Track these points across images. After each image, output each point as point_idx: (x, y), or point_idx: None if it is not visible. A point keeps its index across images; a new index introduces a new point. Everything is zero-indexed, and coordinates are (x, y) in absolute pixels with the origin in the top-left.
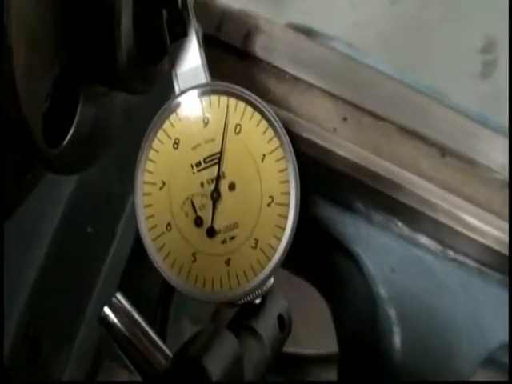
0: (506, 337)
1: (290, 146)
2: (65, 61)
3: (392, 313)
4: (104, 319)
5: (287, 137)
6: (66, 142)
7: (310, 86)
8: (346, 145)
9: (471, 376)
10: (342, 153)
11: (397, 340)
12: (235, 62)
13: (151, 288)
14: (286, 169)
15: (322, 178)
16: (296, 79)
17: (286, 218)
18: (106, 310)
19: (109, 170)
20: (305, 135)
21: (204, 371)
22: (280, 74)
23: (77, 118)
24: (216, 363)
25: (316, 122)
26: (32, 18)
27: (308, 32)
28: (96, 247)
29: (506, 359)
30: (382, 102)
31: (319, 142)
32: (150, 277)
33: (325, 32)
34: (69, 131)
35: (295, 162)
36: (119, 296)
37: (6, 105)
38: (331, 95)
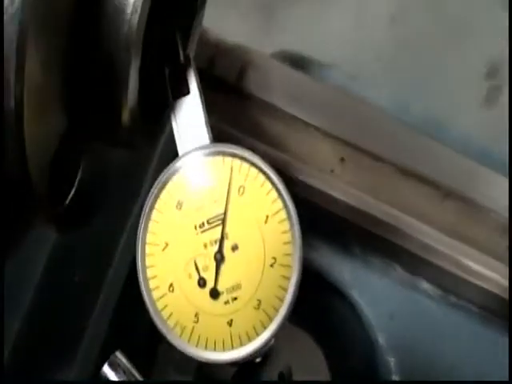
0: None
1: (294, 206)
2: (70, 121)
3: (391, 361)
4: (103, 378)
5: (290, 198)
6: (68, 200)
7: (306, 124)
8: (344, 187)
9: None
10: (339, 196)
11: None
12: (228, 99)
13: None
14: (289, 230)
15: (319, 222)
16: (292, 117)
17: (288, 279)
18: (106, 368)
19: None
20: (301, 178)
21: None
22: (275, 111)
23: (79, 176)
24: None
25: (312, 163)
26: (40, 81)
27: (302, 60)
28: (83, 296)
29: None
30: (381, 141)
31: (316, 184)
32: (138, 327)
33: (321, 59)
34: (70, 190)
35: (298, 223)
36: (118, 354)
37: (11, 167)
38: (328, 135)
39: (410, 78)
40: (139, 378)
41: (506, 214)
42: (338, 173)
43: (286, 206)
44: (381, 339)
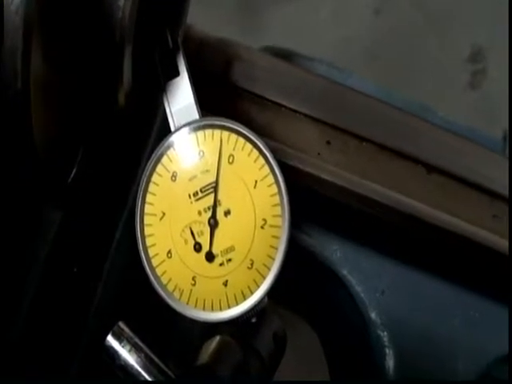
0: (501, 352)
1: (280, 171)
2: (70, 106)
3: (384, 336)
4: (108, 347)
5: (277, 163)
6: (70, 179)
7: (293, 111)
8: (331, 169)
9: None
10: (327, 177)
11: (390, 363)
12: (215, 92)
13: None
14: (277, 193)
15: (308, 204)
16: (278, 106)
17: (278, 238)
18: (110, 338)
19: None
20: (289, 162)
21: (215, 377)
22: (262, 101)
23: (79, 157)
24: (225, 370)
25: (300, 147)
26: (42, 67)
27: (288, 54)
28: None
29: (501, 375)
30: (366, 123)
31: (304, 167)
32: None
33: (306, 53)
34: (71, 170)
35: (285, 186)
36: (121, 324)
37: (19, 148)
38: (314, 120)
39: (395, 67)
40: (143, 346)
41: (492, 186)
42: (325, 155)
43: (273, 171)
44: (373, 315)
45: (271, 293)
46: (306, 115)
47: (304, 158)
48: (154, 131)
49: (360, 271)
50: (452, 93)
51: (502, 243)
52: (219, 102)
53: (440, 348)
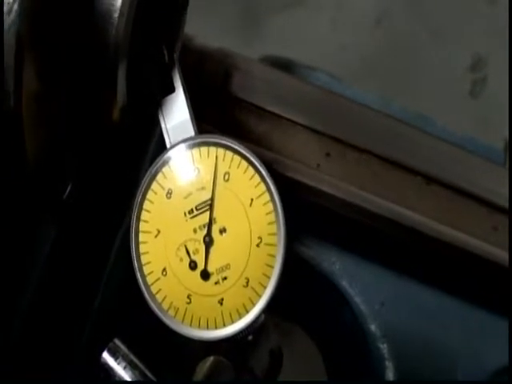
0: (500, 363)
1: (276, 189)
2: (64, 123)
3: (384, 348)
4: (103, 364)
5: (273, 181)
6: (66, 195)
7: (292, 122)
8: (330, 180)
9: None
10: (326, 189)
11: (390, 375)
12: (214, 103)
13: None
14: (273, 211)
15: (308, 216)
16: (277, 117)
17: (274, 256)
18: (105, 354)
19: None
20: (288, 174)
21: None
22: (260, 112)
23: (75, 173)
24: None
25: (299, 159)
26: (35, 85)
27: (287, 64)
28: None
29: None
30: (365, 134)
31: (303, 179)
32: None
33: (305, 62)
34: (67, 186)
35: (281, 204)
36: (117, 341)
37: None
38: (313, 131)
39: (396, 77)
40: (138, 363)
41: (490, 197)
42: (324, 167)
43: (268, 188)
44: (372, 326)
45: (269, 307)
46: (305, 126)
47: (303, 170)
48: (152, 148)
49: (359, 283)
50: (453, 102)
51: (502, 255)
52: (218, 113)
53: (440, 360)
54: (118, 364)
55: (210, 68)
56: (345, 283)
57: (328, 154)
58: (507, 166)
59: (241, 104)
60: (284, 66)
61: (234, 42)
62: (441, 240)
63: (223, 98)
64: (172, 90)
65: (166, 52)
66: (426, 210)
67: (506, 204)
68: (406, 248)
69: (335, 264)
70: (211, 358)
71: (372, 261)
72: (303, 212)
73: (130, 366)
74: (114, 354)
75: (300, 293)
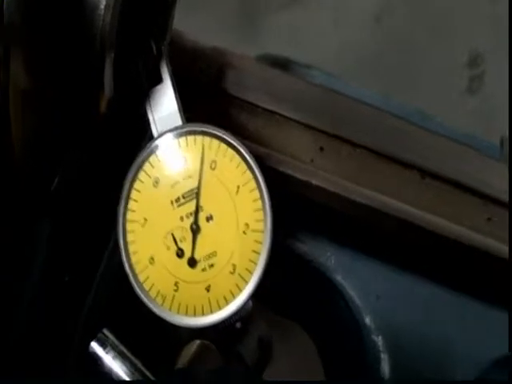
0: (497, 353)
1: (262, 176)
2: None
3: (379, 341)
4: (92, 354)
5: (259, 168)
6: (53, 187)
7: (285, 118)
8: (324, 175)
9: None
10: (320, 183)
11: (385, 368)
12: (208, 100)
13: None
14: (259, 198)
15: (302, 211)
16: (270, 113)
17: (261, 243)
18: (94, 344)
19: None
20: (282, 169)
21: (194, 381)
22: (254, 109)
23: (62, 166)
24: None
25: (292, 154)
26: (23, 80)
27: (285, 62)
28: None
29: (499, 377)
30: (359, 129)
31: (296, 174)
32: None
33: (304, 61)
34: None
35: (267, 191)
36: (105, 331)
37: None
38: (306, 126)
39: (395, 74)
40: (127, 353)
41: (485, 189)
42: (318, 162)
43: (255, 176)
44: (367, 320)
45: (263, 299)
46: (298, 122)
47: (297, 165)
48: (146, 141)
49: (354, 277)
50: (450, 98)
51: (497, 246)
52: (211, 110)
53: (435, 352)
54: (107, 354)
55: (203, 65)
56: (340, 278)
57: (321, 149)
58: (503, 159)
59: (234, 101)
60: (281, 64)
61: (231, 41)
62: (435, 233)
63: (216, 95)
64: (160, 81)
65: (153, 44)
66: (420, 203)
67: (500, 195)
68: (401, 241)
69: (330, 259)
70: (197, 342)
71: (367, 254)
72: (297, 207)
73: (119, 355)
74: (103, 343)
75: (295, 288)
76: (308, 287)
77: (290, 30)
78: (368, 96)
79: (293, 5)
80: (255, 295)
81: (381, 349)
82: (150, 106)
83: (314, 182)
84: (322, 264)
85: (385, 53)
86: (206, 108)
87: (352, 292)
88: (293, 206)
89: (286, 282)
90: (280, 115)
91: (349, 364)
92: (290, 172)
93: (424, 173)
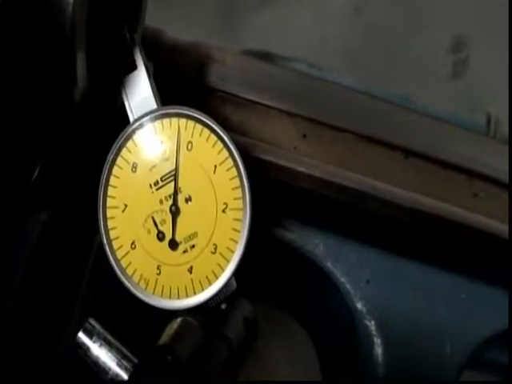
0: (490, 332)
1: (239, 155)
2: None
3: (371, 325)
4: (80, 344)
5: (235, 146)
6: (33, 178)
7: (267, 107)
8: (308, 161)
9: (458, 377)
10: (304, 169)
11: (378, 351)
12: (190, 94)
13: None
14: (237, 176)
15: (288, 199)
16: (252, 103)
17: (240, 221)
18: (81, 334)
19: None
20: (266, 158)
21: (175, 356)
22: (236, 100)
23: (42, 158)
24: (185, 350)
25: (276, 143)
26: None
27: (267, 56)
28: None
29: (492, 356)
30: (340, 113)
31: (280, 162)
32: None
33: (287, 54)
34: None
35: (245, 169)
36: (92, 321)
37: None
38: (288, 114)
39: (378, 64)
40: (113, 340)
41: (470, 165)
42: (302, 149)
43: (231, 154)
44: (359, 304)
45: (254, 291)
46: (280, 110)
47: (280, 153)
48: None
49: (344, 262)
50: (435, 84)
51: (485, 221)
52: (194, 105)
53: (427, 333)
54: (94, 342)
55: (183, 59)
56: (329, 264)
57: (304, 136)
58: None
59: (216, 93)
60: (264, 58)
61: (214, 37)
62: (422, 211)
63: (198, 88)
64: (134, 68)
65: (127, 32)
66: (406, 183)
67: (486, 171)
68: (388, 223)
69: (318, 246)
70: (179, 319)
71: (355, 239)
72: (283, 195)
73: (106, 343)
74: (90, 333)
75: (285, 277)
76: (298, 275)
77: (271, 26)
78: (351, 84)
79: (274, 1)
80: (244, 287)
81: (373, 333)
82: (126, 93)
83: (298, 168)
84: (310, 251)
85: (367, 44)
86: (188, 103)
87: (342, 278)
88: (279, 195)
89: (276, 271)
90: (262, 105)
91: (342, 350)
92: (274, 160)
93: (408, 153)
